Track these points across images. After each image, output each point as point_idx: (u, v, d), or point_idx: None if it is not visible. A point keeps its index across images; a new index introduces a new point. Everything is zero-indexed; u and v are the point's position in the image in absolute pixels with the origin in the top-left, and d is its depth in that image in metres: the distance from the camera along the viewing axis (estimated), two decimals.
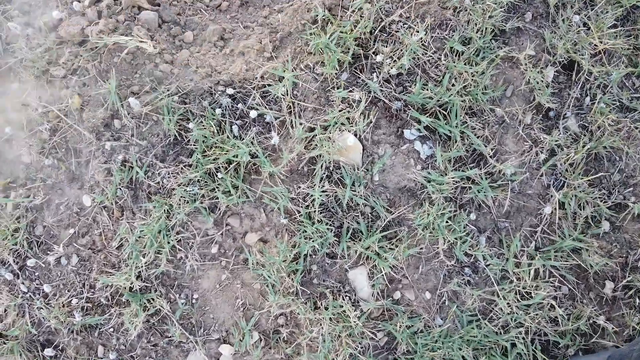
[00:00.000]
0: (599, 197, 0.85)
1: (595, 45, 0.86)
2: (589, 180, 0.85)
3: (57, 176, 0.80)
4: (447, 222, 0.80)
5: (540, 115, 0.86)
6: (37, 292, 0.81)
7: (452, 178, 0.81)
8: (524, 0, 0.89)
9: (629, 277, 0.83)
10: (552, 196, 0.83)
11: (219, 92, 0.81)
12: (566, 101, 0.87)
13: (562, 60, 0.87)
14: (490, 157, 0.83)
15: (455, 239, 0.80)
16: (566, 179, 0.84)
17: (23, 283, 0.81)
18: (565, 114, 0.86)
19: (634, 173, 0.87)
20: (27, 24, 0.84)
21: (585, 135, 0.85)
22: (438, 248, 0.80)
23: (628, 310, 0.84)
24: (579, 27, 0.87)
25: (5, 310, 0.81)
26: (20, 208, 0.80)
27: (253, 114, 0.79)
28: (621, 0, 0.90)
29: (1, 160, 0.81)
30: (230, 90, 0.79)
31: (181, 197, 0.78)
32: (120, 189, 0.79)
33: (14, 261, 0.80)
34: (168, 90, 0.79)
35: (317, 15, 0.83)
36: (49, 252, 0.81)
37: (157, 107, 0.79)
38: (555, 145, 0.84)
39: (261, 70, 0.82)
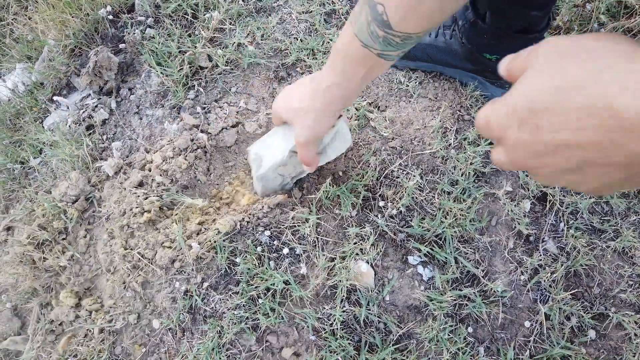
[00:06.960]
0: (582, 309, 0.98)
1: None
2: (571, 294, 0.99)
3: (133, 304, 1.02)
4: (448, 335, 0.95)
5: (522, 240, 1.03)
6: None
7: (451, 297, 0.97)
8: None
9: None
10: (539, 309, 0.98)
11: (260, 232, 1.03)
12: (543, 227, 1.04)
13: (537, 194, 1.06)
14: (483, 277, 1.00)
15: (457, 349, 0.95)
16: (550, 293, 0.99)
17: None
18: (544, 238, 1.03)
19: (611, 286, 1.01)
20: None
21: (562, 256, 1.02)
22: (443, 358, 0.95)
23: None
24: None
25: None
26: (104, 332, 1.01)
27: (286, 251, 1.00)
28: None
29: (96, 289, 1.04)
30: (267, 232, 1.02)
31: (230, 319, 0.97)
32: (182, 314, 0.99)
33: None
34: (219, 232, 1.02)
35: (334, 173, 1.07)
36: None
37: (212, 247, 1.01)
38: (538, 265, 1.01)
39: (292, 214, 1.04)
